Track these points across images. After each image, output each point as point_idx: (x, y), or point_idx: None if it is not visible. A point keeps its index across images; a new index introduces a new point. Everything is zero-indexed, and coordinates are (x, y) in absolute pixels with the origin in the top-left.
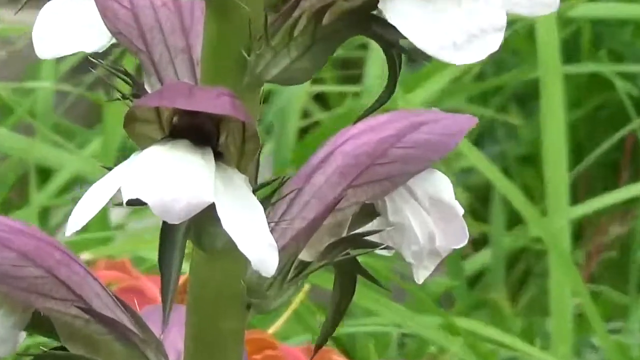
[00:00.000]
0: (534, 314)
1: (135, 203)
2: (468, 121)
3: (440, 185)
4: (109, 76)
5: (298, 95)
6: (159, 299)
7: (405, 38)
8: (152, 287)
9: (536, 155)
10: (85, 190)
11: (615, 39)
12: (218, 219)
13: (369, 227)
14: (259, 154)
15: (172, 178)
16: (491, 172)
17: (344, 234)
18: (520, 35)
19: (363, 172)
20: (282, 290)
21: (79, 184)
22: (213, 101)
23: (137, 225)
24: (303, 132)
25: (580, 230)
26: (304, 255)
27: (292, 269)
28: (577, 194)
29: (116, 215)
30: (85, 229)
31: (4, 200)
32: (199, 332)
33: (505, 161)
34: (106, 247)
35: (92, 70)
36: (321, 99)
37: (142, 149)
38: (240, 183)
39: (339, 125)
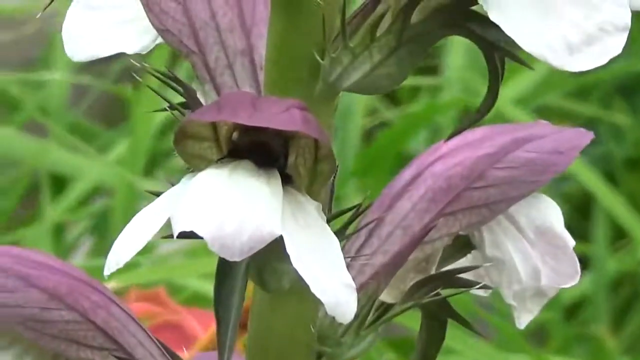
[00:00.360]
0: None
1: (188, 236)
2: (582, 136)
3: (548, 213)
4: (138, 70)
5: None
6: (202, 336)
7: (509, 38)
8: (193, 322)
9: None
10: (106, 203)
11: None
12: (285, 255)
13: (462, 262)
14: (334, 178)
15: (232, 207)
16: (592, 180)
17: (433, 271)
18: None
19: (456, 198)
20: (359, 337)
21: (100, 194)
22: (281, 115)
23: (168, 248)
24: (368, 134)
25: None
26: (385, 296)
27: (372, 312)
28: None
29: None
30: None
31: (11, 215)
32: None
33: (610, 166)
34: (135, 273)
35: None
36: (389, 95)
37: (196, 171)
38: (311, 211)
39: (411, 126)
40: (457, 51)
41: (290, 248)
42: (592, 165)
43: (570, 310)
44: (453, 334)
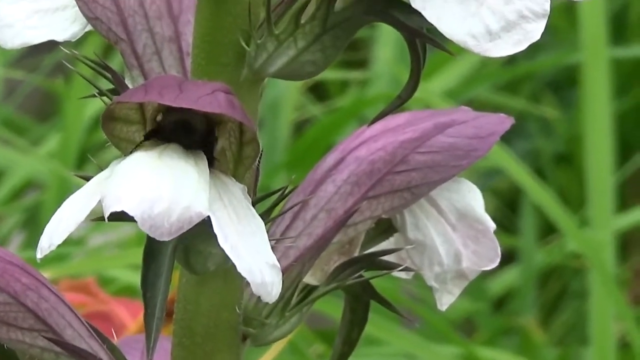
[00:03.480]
0: (570, 342)
1: (118, 218)
2: (502, 122)
3: (469, 197)
4: (70, 60)
5: (291, 84)
6: (132, 326)
7: (430, 25)
8: (123, 312)
9: (575, 154)
10: (38, 197)
11: None
12: (211, 236)
13: (385, 245)
14: (259, 161)
15: (161, 188)
16: (521, 174)
17: (356, 254)
18: (557, 11)
19: (379, 181)
20: (283, 319)
21: (31, 189)
22: (206, 97)
23: (98, 240)
24: (297, 128)
25: (625, 244)
26: (309, 278)
27: (296, 293)
28: (624, 201)
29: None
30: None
31: None
32: None
33: (538, 161)
34: (67, 265)
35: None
36: (318, 89)
37: (125, 154)
38: (237, 194)
39: (339, 121)
40: (386, 45)
41: (217, 228)
42: (521, 160)
43: (498, 302)
44: (380, 324)
